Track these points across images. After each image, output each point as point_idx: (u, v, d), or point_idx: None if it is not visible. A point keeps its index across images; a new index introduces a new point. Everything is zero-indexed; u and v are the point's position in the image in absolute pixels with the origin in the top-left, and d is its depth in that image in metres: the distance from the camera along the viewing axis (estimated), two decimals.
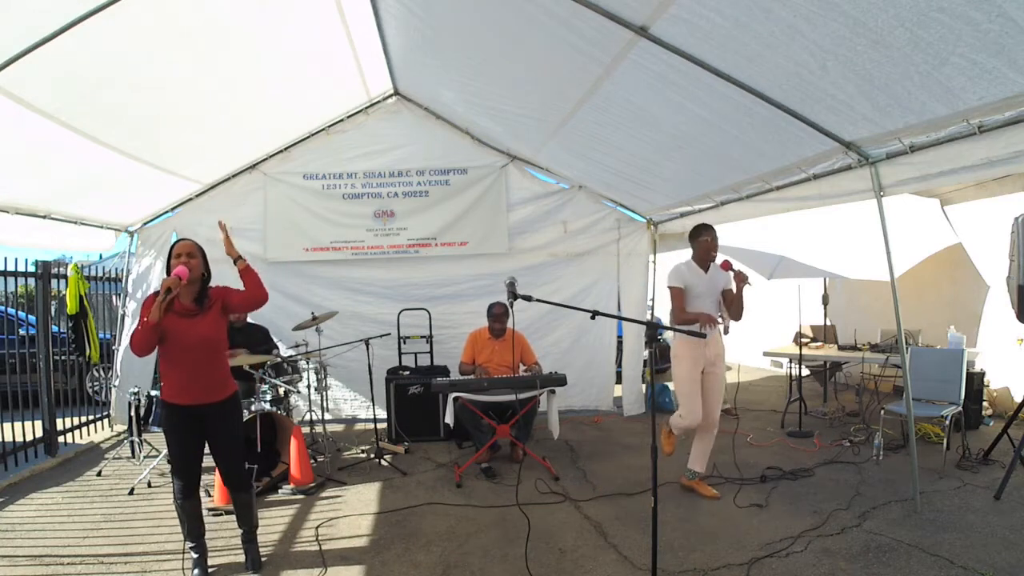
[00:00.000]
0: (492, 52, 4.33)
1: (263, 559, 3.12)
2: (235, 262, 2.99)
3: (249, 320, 5.10)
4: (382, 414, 5.56)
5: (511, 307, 3.12)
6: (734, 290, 3.89)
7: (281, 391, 4.80)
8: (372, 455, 4.89)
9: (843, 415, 6.00)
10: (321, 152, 6.19)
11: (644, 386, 6.47)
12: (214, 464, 3.12)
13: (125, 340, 5.89)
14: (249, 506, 3.10)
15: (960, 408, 4.50)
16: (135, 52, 3.54)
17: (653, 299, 6.72)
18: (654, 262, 6.57)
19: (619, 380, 6.66)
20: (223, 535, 3.42)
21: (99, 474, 4.61)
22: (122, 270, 6.14)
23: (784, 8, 2.45)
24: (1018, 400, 5.00)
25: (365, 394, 6.11)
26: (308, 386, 5.56)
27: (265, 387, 4.59)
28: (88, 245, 5.67)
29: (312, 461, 4.56)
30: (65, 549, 3.30)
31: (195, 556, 2.99)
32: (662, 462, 2.87)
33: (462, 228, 6.28)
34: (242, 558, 3.10)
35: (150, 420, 4.48)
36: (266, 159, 6.14)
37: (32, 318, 5.65)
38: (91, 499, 4.11)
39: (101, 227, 5.68)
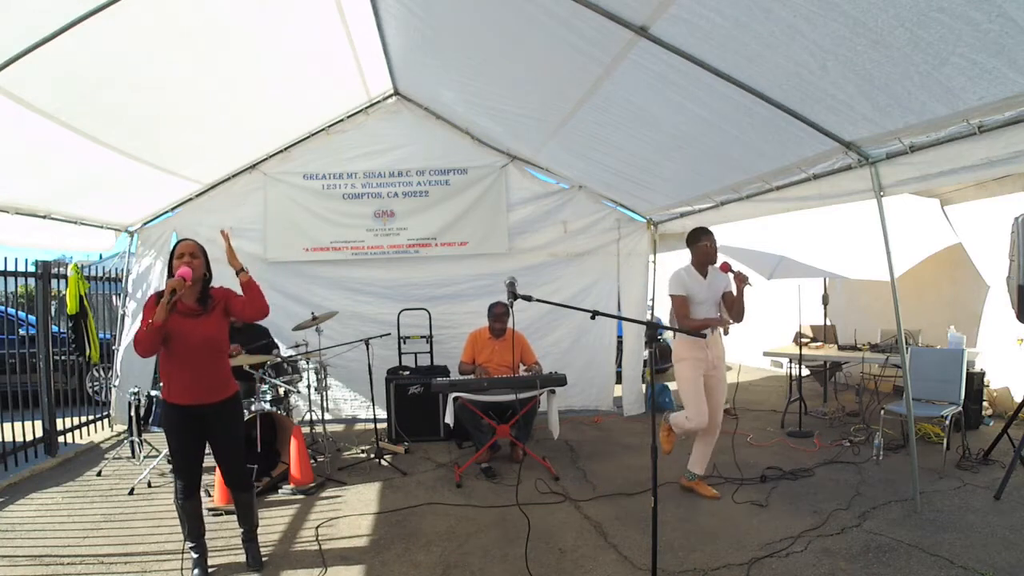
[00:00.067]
0: (492, 52, 4.34)
1: (264, 559, 3.12)
2: (237, 274, 2.98)
3: None
4: (382, 414, 5.56)
5: (511, 307, 3.12)
6: (734, 292, 3.86)
7: (281, 391, 4.81)
8: (372, 455, 4.89)
9: (843, 415, 6.00)
10: (321, 152, 6.19)
11: (644, 386, 6.47)
12: (214, 464, 3.12)
13: (125, 340, 5.89)
14: (250, 506, 3.11)
15: (960, 408, 4.50)
16: (135, 52, 3.54)
17: (653, 299, 6.72)
18: (654, 262, 6.57)
19: (619, 380, 6.66)
20: (223, 535, 3.42)
21: (99, 474, 4.61)
22: (122, 270, 6.14)
23: (784, 8, 2.45)
24: (1018, 400, 5.00)
25: (365, 394, 6.11)
26: (308, 386, 5.56)
27: (265, 387, 4.60)
28: (88, 245, 5.68)
29: (312, 461, 4.56)
30: (65, 549, 3.30)
31: (195, 556, 2.99)
32: (662, 462, 2.87)
33: (462, 228, 6.28)
34: (242, 558, 3.10)
35: (150, 420, 4.48)
36: (266, 159, 6.14)
37: (32, 318, 5.65)
38: (91, 499, 4.11)
39: (101, 227, 5.68)
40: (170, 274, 2.84)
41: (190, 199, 6.07)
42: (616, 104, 4.04)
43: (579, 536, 3.39)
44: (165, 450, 4.28)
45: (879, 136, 3.24)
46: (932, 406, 4.62)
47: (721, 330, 3.93)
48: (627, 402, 6.41)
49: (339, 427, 6.14)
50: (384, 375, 5.60)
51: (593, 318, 2.65)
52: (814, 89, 2.99)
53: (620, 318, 3.80)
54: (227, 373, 3.02)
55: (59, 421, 5.26)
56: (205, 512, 3.11)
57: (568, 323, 6.33)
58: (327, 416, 5.83)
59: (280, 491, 4.17)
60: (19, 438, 4.81)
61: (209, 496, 3.92)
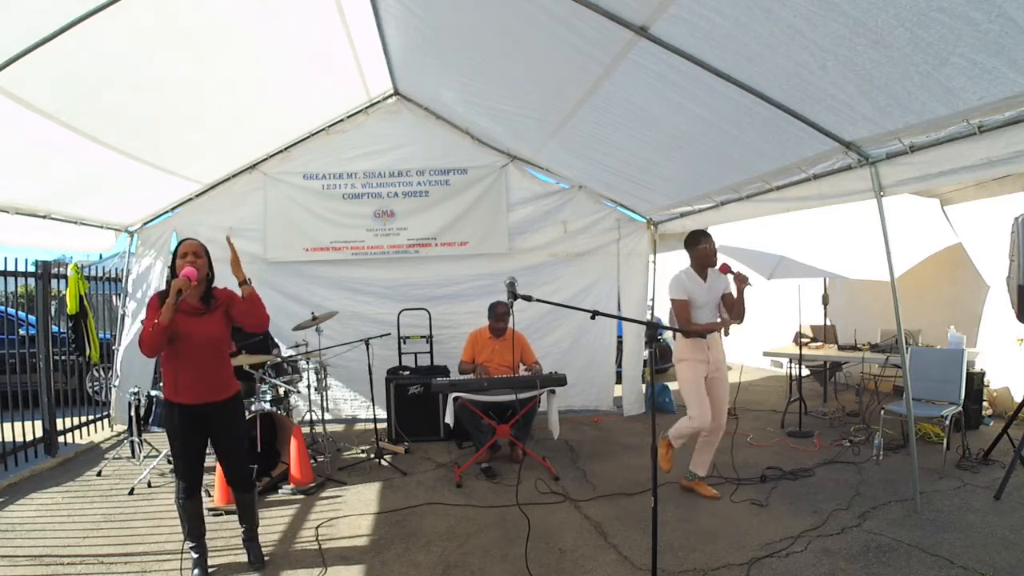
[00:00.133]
0: (492, 52, 4.34)
1: (265, 558, 3.13)
2: (240, 285, 2.97)
3: None
4: (382, 414, 5.56)
5: (511, 307, 3.12)
6: (734, 294, 3.85)
7: (281, 391, 4.81)
8: (372, 455, 4.89)
9: (843, 415, 6.00)
10: (321, 152, 6.19)
11: (644, 386, 6.47)
12: (214, 464, 3.12)
13: (125, 340, 5.89)
14: (252, 505, 3.12)
15: (960, 408, 4.50)
16: (135, 52, 3.54)
17: (653, 299, 6.72)
18: (654, 262, 6.57)
19: (619, 380, 6.66)
20: (223, 535, 3.42)
21: (99, 474, 4.61)
22: (122, 270, 6.14)
23: (784, 8, 2.45)
24: (1018, 400, 5.00)
25: (365, 394, 6.11)
26: (308, 386, 5.56)
27: (265, 387, 4.59)
28: (88, 245, 5.68)
29: (312, 461, 4.56)
30: (65, 549, 3.31)
31: (195, 556, 2.99)
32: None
33: (462, 228, 6.28)
34: (242, 558, 3.10)
35: (150, 420, 4.47)
36: (266, 159, 6.14)
37: (32, 318, 5.65)
38: (91, 499, 4.11)
39: (101, 227, 5.68)
40: (173, 273, 2.84)
41: (190, 199, 6.07)
42: (616, 104, 4.03)
43: (579, 536, 3.39)
44: (165, 450, 4.30)
45: (879, 136, 3.24)
46: (932, 406, 4.62)
47: (722, 331, 3.92)
48: (627, 402, 6.41)
49: (339, 427, 6.14)
50: (384, 375, 5.60)
51: (593, 318, 2.65)
52: (814, 89, 2.99)
53: (620, 318, 3.80)
54: (229, 372, 3.03)
55: (59, 421, 5.26)
56: (205, 512, 3.11)
57: (568, 323, 6.33)
58: (327, 416, 5.83)
59: (280, 491, 4.17)
60: (19, 438, 4.81)
61: (209, 496, 3.92)
